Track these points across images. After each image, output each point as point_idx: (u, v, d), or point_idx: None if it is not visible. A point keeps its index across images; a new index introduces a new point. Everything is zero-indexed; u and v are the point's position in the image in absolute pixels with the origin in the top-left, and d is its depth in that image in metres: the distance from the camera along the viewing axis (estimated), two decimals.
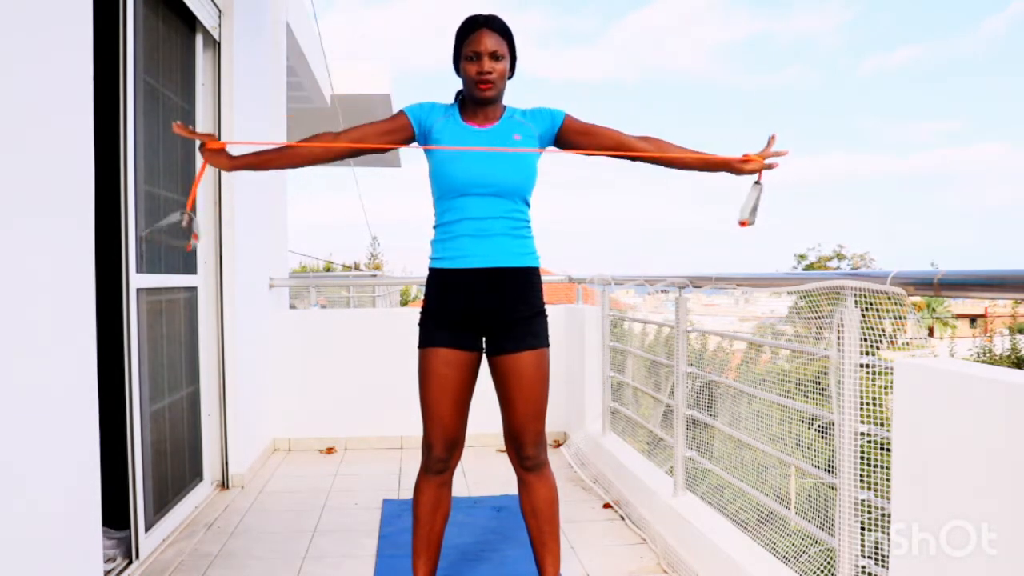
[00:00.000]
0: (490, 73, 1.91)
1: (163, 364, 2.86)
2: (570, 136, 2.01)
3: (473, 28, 1.94)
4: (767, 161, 1.93)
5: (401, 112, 2.00)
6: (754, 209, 1.93)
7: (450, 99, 2.05)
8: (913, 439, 1.45)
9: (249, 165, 1.95)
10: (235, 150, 1.96)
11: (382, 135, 1.99)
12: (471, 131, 1.96)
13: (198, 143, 1.94)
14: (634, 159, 2.01)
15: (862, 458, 1.69)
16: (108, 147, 2.40)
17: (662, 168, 2.02)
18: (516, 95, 2.05)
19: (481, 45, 1.91)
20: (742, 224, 1.92)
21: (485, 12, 1.98)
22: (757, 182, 1.94)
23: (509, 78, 1.99)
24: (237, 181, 3.39)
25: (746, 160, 1.94)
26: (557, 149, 2.04)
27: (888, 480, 1.53)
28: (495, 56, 1.92)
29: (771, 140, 1.94)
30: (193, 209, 1.92)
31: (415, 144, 2.01)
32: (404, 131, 1.99)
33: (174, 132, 1.88)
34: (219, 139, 1.92)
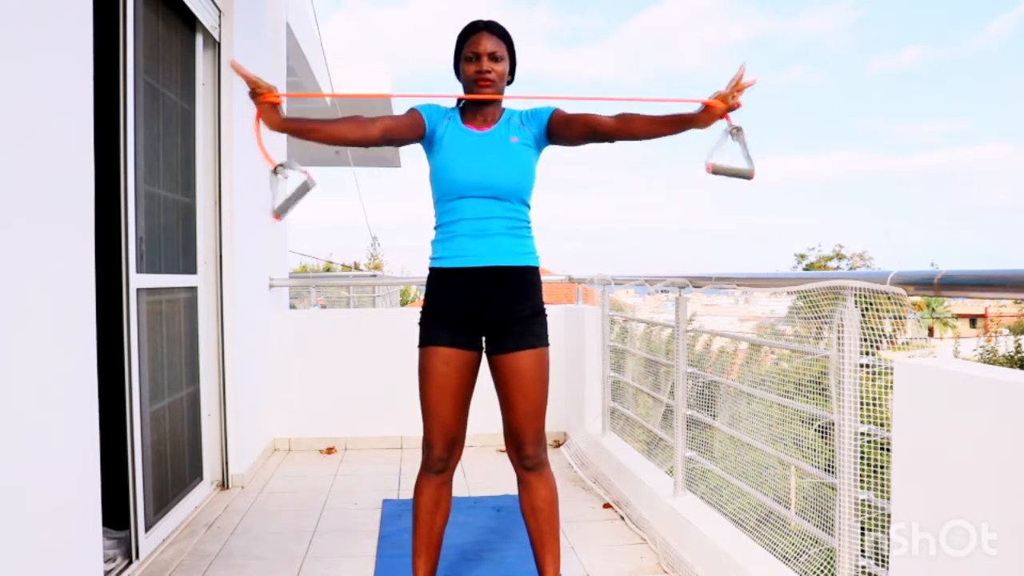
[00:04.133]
0: (489, 73, 1.94)
1: (163, 364, 2.86)
2: (556, 129, 1.99)
3: (473, 31, 1.98)
4: (731, 101, 1.71)
5: (416, 110, 2.00)
6: (748, 157, 1.71)
7: (450, 103, 2.06)
8: (913, 439, 1.45)
9: (295, 130, 1.81)
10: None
11: (410, 128, 1.97)
12: (471, 134, 1.98)
13: (248, 90, 1.76)
14: (603, 139, 1.92)
15: (862, 458, 1.69)
16: (108, 147, 2.40)
17: (642, 142, 1.89)
18: (523, 94, 2.05)
19: (480, 46, 1.95)
20: (708, 169, 1.72)
21: (487, 18, 2.01)
22: (730, 131, 1.72)
23: (509, 83, 2.02)
24: (237, 181, 3.39)
25: (708, 108, 1.73)
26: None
27: (888, 480, 1.53)
28: (494, 57, 1.95)
29: (741, 71, 1.70)
30: (277, 166, 1.81)
31: (426, 143, 1.99)
32: (421, 128, 1.99)
33: (231, 67, 1.65)
34: (276, 94, 1.75)
